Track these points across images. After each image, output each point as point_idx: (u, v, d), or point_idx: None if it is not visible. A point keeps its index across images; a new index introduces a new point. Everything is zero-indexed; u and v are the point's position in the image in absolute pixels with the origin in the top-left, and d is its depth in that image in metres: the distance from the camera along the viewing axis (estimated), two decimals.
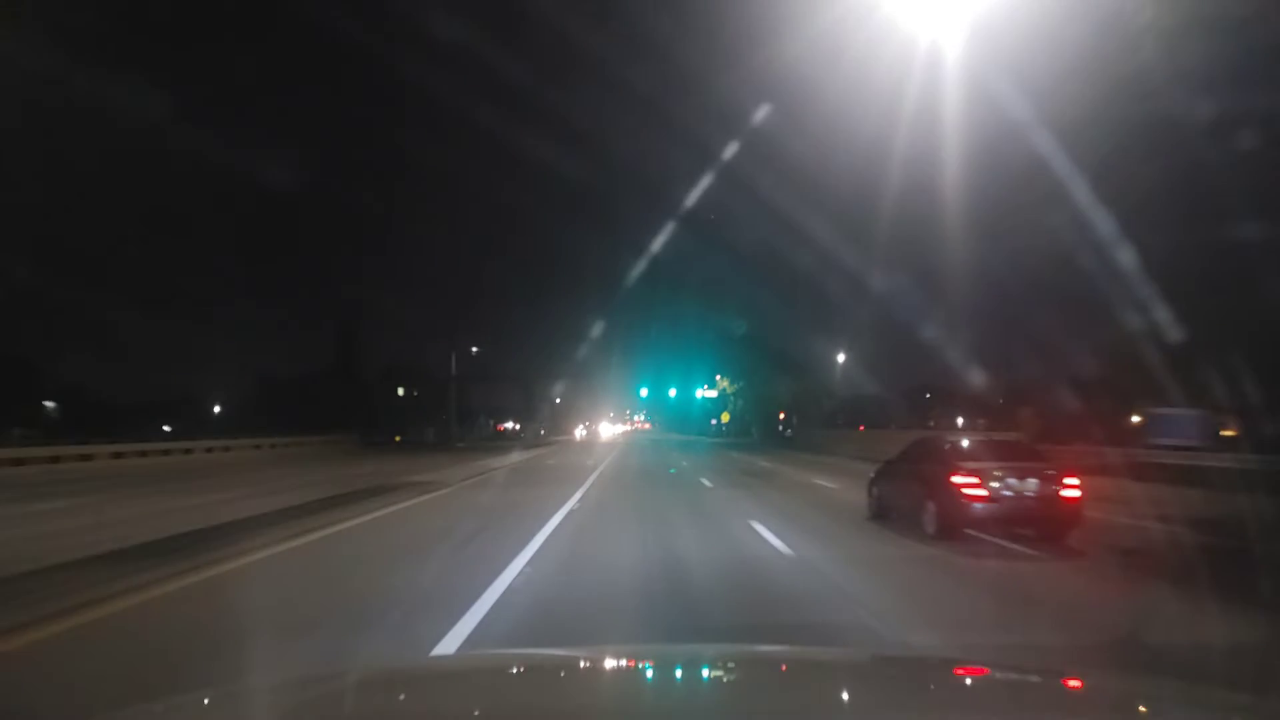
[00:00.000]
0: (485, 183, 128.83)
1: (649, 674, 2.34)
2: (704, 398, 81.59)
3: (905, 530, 10.70)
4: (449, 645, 5.32)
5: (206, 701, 2.17)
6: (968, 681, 2.34)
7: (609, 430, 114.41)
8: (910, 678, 2.32)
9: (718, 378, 78.85)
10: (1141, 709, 2.00)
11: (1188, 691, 2.38)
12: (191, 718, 1.93)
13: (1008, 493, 9.69)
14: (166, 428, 56.43)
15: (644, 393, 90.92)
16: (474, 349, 72.14)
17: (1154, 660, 5.12)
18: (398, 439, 64.02)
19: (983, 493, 9.68)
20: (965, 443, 11.55)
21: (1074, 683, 2.35)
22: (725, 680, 2.25)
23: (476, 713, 1.94)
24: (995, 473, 9.77)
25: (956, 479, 9.81)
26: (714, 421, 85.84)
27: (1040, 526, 9.88)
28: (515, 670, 2.46)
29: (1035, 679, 2.42)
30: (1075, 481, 9.77)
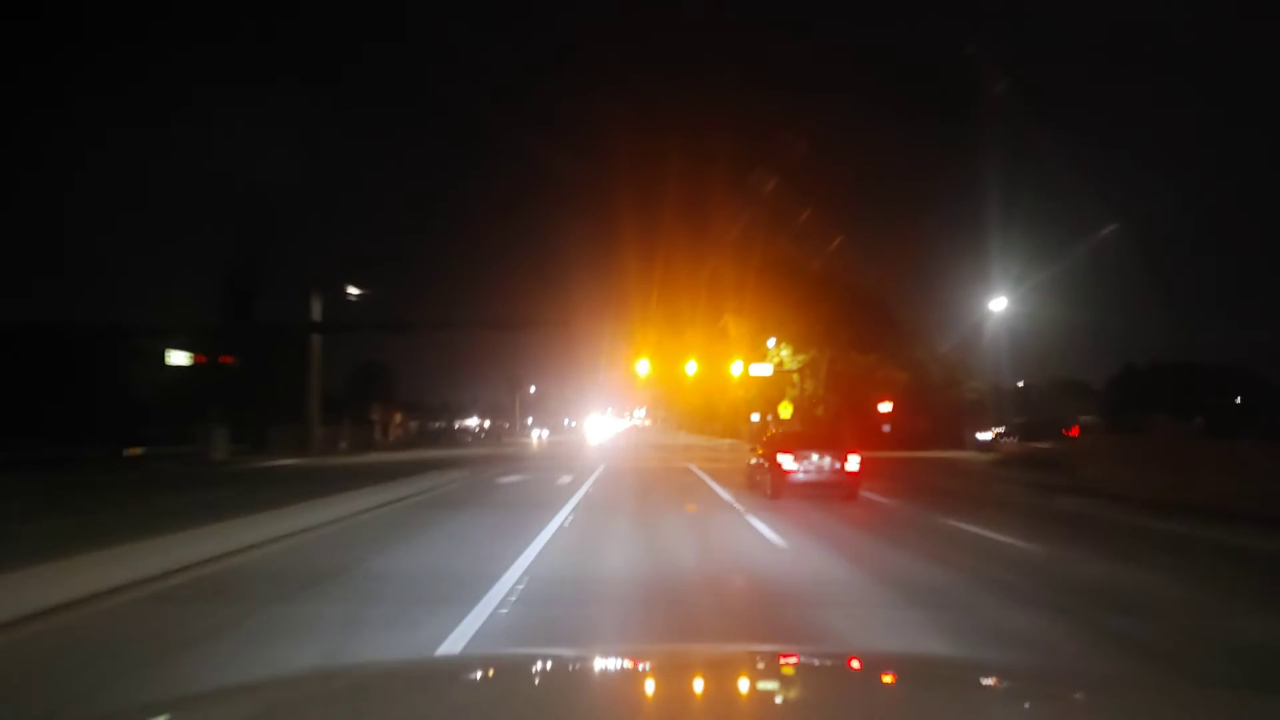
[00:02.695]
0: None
1: (657, 674, 2.30)
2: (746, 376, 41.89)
3: (759, 493, 15.69)
4: None
5: (206, 700, 2.11)
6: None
7: (601, 429, 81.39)
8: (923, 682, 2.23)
9: (770, 344, 44.39)
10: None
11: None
12: (191, 717, 1.88)
13: (810, 467, 14.59)
14: None
15: (643, 369, 41.00)
16: (353, 291, 41.27)
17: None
18: (134, 451, 33.39)
19: (795, 467, 14.59)
20: (793, 433, 16.45)
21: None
22: (733, 680, 2.23)
23: (481, 711, 1.89)
24: (803, 454, 14.66)
25: (779, 458, 14.73)
26: (757, 417, 50.27)
27: (833, 490, 14.78)
28: (521, 669, 2.37)
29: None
30: (856, 459, 14.61)
